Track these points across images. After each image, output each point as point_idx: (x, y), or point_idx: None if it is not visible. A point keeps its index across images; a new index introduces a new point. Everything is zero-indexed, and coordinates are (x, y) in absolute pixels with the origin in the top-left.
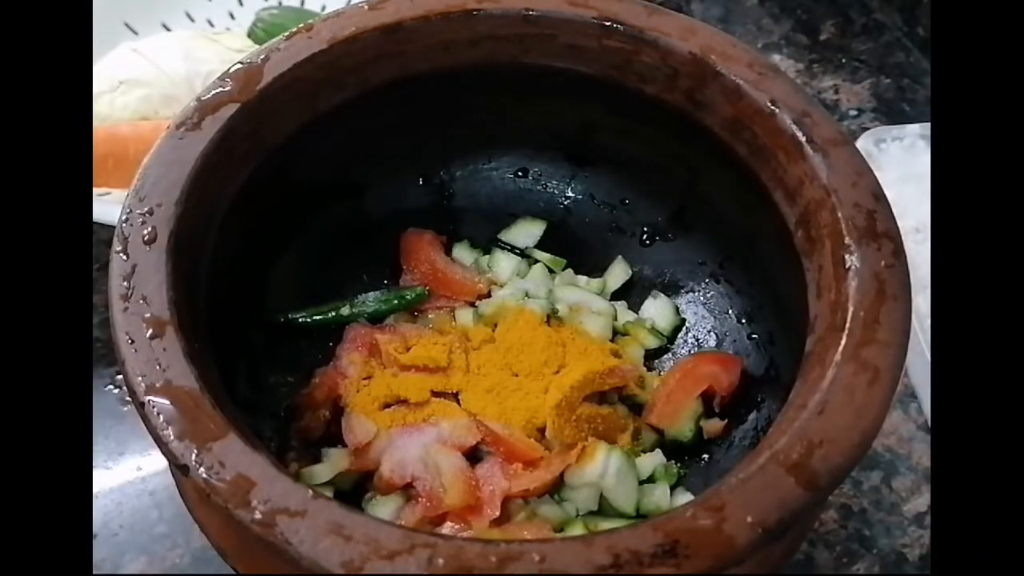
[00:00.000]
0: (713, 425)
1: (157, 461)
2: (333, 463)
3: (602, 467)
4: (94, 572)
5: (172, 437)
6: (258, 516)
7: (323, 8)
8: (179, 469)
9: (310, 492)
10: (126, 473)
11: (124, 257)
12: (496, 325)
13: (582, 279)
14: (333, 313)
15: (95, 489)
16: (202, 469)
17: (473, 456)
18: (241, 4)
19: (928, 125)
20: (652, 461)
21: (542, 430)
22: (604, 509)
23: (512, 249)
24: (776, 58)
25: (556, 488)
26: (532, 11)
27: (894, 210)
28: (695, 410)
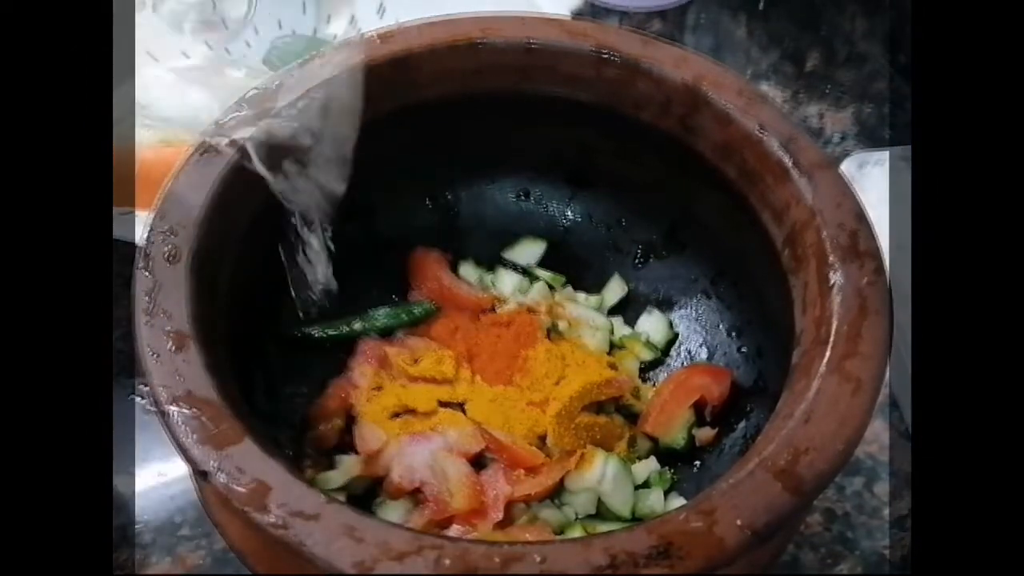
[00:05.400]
0: (705, 433)
1: (179, 467)
2: (346, 469)
3: (600, 473)
4: (120, 573)
5: (193, 444)
6: (275, 519)
7: (334, 37)
8: (200, 475)
9: (324, 496)
10: (149, 479)
11: (147, 274)
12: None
13: (581, 295)
14: (345, 327)
15: (119, 493)
16: (222, 475)
17: (478, 463)
18: (257, 33)
19: (908, 148)
20: (647, 467)
21: (543, 438)
22: (602, 513)
23: (515, 267)
24: (764, 86)
25: (556, 493)
26: (533, 42)
27: (876, 230)
28: (687, 419)
